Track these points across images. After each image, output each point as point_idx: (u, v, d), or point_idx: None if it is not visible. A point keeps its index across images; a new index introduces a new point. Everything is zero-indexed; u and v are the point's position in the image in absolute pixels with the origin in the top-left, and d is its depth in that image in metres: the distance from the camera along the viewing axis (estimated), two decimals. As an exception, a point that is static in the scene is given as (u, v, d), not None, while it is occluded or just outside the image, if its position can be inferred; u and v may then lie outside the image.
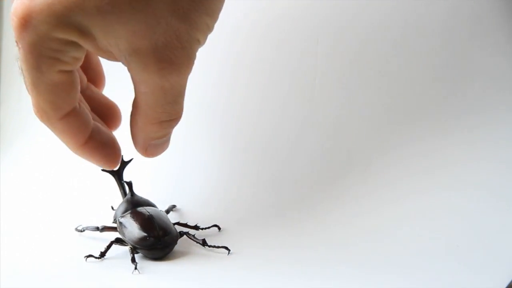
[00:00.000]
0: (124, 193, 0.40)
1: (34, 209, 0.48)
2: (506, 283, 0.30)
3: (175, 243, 0.36)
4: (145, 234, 0.35)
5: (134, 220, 0.36)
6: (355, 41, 0.45)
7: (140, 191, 0.39)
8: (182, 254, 0.36)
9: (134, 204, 0.38)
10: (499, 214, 0.36)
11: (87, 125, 0.30)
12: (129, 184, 0.39)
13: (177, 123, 0.31)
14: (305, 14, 0.46)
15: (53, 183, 0.52)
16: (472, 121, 0.41)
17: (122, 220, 0.37)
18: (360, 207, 0.41)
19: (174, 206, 0.43)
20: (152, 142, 0.31)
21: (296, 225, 0.41)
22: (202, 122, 0.50)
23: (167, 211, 0.42)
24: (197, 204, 0.45)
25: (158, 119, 0.29)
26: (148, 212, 0.37)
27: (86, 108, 0.31)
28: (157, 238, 0.35)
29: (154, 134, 0.31)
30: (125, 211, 0.38)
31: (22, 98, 0.58)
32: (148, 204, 0.39)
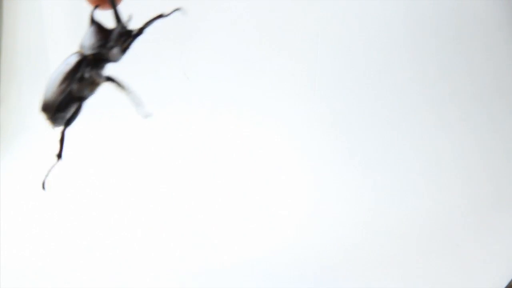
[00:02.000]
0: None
1: (34, 209, 0.48)
2: (506, 283, 0.30)
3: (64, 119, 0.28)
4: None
5: None
6: (355, 41, 0.45)
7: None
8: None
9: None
10: (499, 214, 0.37)
11: None
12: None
13: None
14: (305, 13, 0.46)
15: (53, 182, 0.52)
16: (473, 121, 0.41)
17: None
18: (359, 204, 0.41)
19: None
20: None
21: (294, 222, 0.41)
22: (201, 120, 0.50)
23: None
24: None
25: None
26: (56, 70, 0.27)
27: None
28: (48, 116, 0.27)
29: None
30: None
31: (22, 97, 0.58)
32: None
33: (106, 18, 0.27)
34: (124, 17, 0.26)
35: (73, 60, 0.27)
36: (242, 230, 0.40)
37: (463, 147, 0.41)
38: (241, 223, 0.41)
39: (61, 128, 0.28)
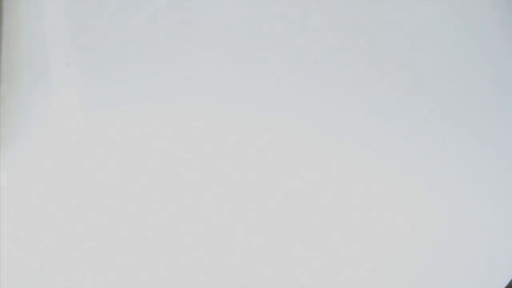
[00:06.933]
0: None
1: (34, 209, 0.48)
2: (506, 283, 0.30)
3: None
4: None
5: None
6: (355, 41, 0.45)
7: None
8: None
9: None
10: (499, 214, 0.37)
11: None
12: None
13: None
14: (306, 13, 0.46)
15: (53, 183, 0.52)
16: (473, 121, 0.41)
17: None
18: (358, 205, 0.41)
19: None
20: None
21: (292, 222, 0.41)
22: (201, 121, 0.50)
23: None
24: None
25: None
26: None
27: None
28: None
29: None
30: None
31: (22, 98, 0.58)
32: None
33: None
34: None
35: None
36: (243, 232, 0.40)
37: (463, 147, 0.41)
38: (241, 225, 0.41)
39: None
